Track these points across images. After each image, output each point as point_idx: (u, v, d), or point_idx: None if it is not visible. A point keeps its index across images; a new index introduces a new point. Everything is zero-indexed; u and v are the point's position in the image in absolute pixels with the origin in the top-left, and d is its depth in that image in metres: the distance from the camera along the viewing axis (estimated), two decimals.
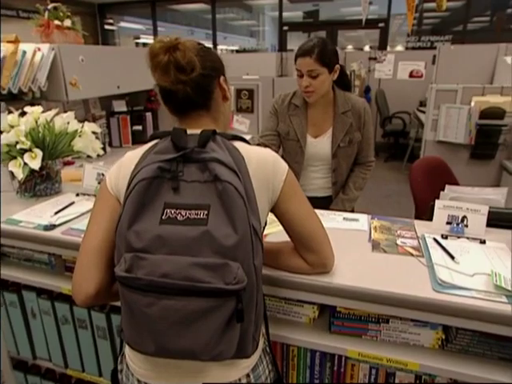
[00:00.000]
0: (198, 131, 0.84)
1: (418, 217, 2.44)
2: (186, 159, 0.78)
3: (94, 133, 1.58)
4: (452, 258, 1.04)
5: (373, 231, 1.22)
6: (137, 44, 8.49)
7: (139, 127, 3.40)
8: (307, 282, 0.99)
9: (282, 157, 1.75)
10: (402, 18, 7.42)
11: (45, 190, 1.55)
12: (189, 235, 0.72)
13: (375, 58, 5.48)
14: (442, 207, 1.21)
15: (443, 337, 0.99)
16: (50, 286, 1.34)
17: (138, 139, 3.40)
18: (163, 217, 0.74)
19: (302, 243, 0.93)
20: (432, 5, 5.53)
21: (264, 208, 0.86)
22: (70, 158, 2.37)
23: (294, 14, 7.05)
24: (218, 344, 0.74)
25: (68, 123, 1.56)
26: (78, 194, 1.55)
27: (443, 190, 2.58)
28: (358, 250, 1.12)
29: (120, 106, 3.35)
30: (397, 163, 5.59)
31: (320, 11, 6.72)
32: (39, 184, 1.54)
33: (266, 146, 1.76)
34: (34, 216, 1.35)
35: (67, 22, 2.68)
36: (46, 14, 2.59)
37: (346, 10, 7.42)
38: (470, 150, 3.00)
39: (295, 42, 7.53)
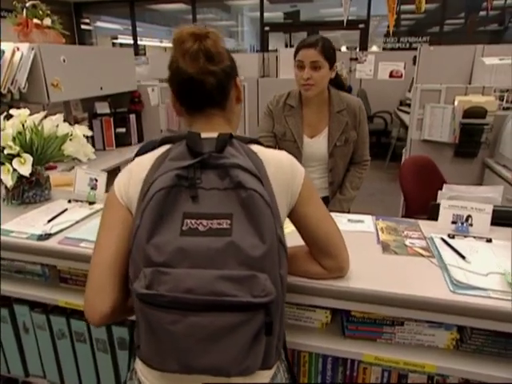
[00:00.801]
0: (213, 134, 0.81)
1: (409, 215, 2.47)
2: (202, 165, 0.74)
3: (85, 136, 1.51)
4: (463, 257, 1.04)
5: (380, 232, 1.21)
6: (113, 44, 8.31)
7: (123, 129, 3.31)
8: (321, 287, 0.97)
9: None
10: (377, 19, 7.56)
11: (34, 197, 1.47)
12: (212, 247, 0.69)
13: (356, 59, 5.55)
14: (448, 207, 1.21)
15: (458, 337, 0.99)
16: (44, 298, 1.27)
17: (122, 142, 3.31)
18: (183, 228, 0.70)
19: (318, 248, 0.90)
20: (407, 7, 5.64)
21: (283, 213, 0.83)
22: (51, 162, 2.28)
23: (273, 14, 7.06)
24: (245, 359, 0.71)
25: (57, 126, 1.48)
26: (69, 201, 1.48)
27: (433, 188, 2.62)
28: (369, 252, 1.11)
29: (103, 108, 3.25)
30: (379, 162, 5.67)
31: (300, 12, 6.76)
32: (27, 191, 1.45)
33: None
34: (25, 225, 1.28)
35: (47, 21, 2.57)
36: (24, 12, 2.48)
37: (325, 11, 7.49)
38: (454, 149, 3.06)
39: (275, 42, 7.55)
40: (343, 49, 7.22)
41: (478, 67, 3.79)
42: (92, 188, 1.50)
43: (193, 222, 0.70)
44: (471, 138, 2.96)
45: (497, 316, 0.88)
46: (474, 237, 1.16)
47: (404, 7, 6.53)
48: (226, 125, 0.88)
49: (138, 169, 0.82)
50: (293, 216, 0.88)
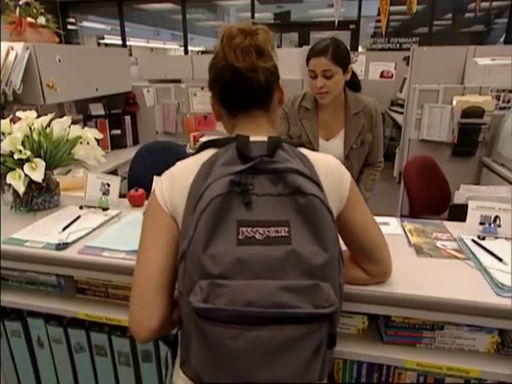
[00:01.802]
0: (261, 137, 0.77)
1: (413, 214, 2.48)
2: (254, 170, 0.71)
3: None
4: (499, 259, 1.03)
5: (409, 235, 1.19)
6: (99, 44, 8.12)
7: (118, 131, 3.23)
8: (363, 293, 0.94)
9: None
10: (363, 20, 7.62)
11: (43, 204, 1.40)
12: (272, 256, 0.65)
13: None
14: (475, 208, 1.20)
15: (499, 341, 0.98)
16: (60, 310, 1.20)
17: (117, 144, 3.23)
18: (240, 237, 0.65)
19: (364, 253, 0.88)
20: (394, 8, 5.67)
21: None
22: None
23: (262, 15, 7.04)
24: (306, 373, 0.68)
25: (68, 129, 1.42)
26: (81, 207, 1.41)
27: (436, 188, 2.64)
28: (403, 256, 1.09)
29: (97, 110, 3.16)
30: None
31: (291, 13, 6.76)
32: (36, 197, 1.38)
33: None
34: (38, 234, 1.21)
35: (41, 20, 2.48)
36: (18, 10, 2.38)
37: (313, 11, 7.52)
38: (452, 148, 3.09)
39: None
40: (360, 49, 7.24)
41: (471, 67, 3.84)
42: (104, 193, 1.44)
43: (248, 230, 0.66)
44: (469, 138, 3.00)
45: None
46: (506, 238, 1.15)
47: (391, 8, 6.61)
48: (270, 127, 0.84)
49: (182, 174, 0.78)
50: (339, 221, 0.85)
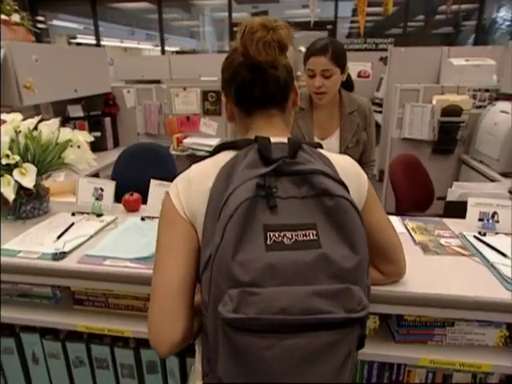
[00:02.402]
0: (281, 139, 0.75)
1: (400, 212, 2.53)
2: (277, 173, 0.68)
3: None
4: (504, 255, 1.06)
5: (413, 233, 1.20)
6: (69, 43, 7.84)
7: (98, 133, 3.13)
8: (377, 293, 0.93)
9: None
10: (337, 20, 7.74)
11: (32, 211, 1.33)
12: (302, 261, 0.62)
13: None
14: (474, 205, 1.23)
15: (507, 334, 1.01)
16: (56, 324, 1.14)
17: (97, 147, 3.11)
18: (268, 242, 0.62)
19: (381, 254, 0.87)
20: (369, 9, 5.77)
21: None
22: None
23: (239, 15, 7.01)
24: (338, 377, 0.66)
25: (55, 132, 1.35)
26: (73, 214, 1.35)
27: (421, 185, 2.70)
28: (411, 255, 1.08)
29: (76, 111, 3.05)
30: None
31: (268, 13, 6.76)
32: (25, 204, 1.31)
33: None
34: (31, 243, 1.14)
35: (15, 17, 2.36)
36: None
37: (289, 12, 7.56)
38: (432, 146, 3.18)
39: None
40: (303, 49, 7.31)
41: (446, 67, 3.96)
42: (97, 199, 1.38)
43: (276, 234, 0.63)
44: (448, 136, 3.09)
45: None
46: (506, 234, 1.18)
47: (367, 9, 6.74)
48: (285, 128, 0.82)
49: (199, 178, 0.75)
50: None
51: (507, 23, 8.34)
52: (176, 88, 3.20)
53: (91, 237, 1.19)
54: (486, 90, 3.10)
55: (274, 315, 0.60)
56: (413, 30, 7.09)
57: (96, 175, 2.70)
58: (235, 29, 6.47)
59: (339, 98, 1.67)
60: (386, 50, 4.83)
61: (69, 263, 1.06)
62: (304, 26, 5.58)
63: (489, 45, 6.75)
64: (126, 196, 1.39)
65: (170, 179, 2.85)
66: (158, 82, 4.00)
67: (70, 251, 1.11)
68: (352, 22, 8.02)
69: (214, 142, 3.25)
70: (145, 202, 1.40)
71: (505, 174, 2.58)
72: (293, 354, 0.61)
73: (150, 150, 2.69)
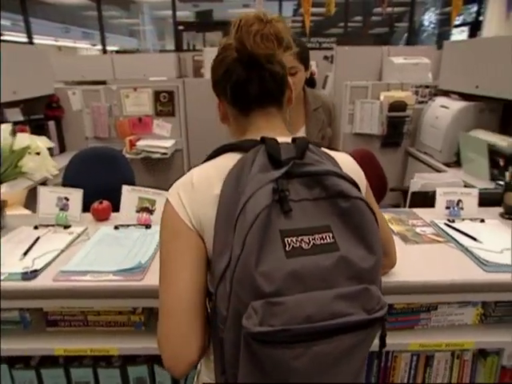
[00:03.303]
0: (284, 139, 0.73)
1: None
2: (287, 175, 0.65)
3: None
4: (474, 239, 1.14)
5: (390, 224, 1.25)
6: None
7: None
8: None
9: None
10: None
11: None
12: (323, 265, 0.61)
13: None
14: (442, 194, 1.31)
15: (482, 312, 1.08)
16: (27, 350, 1.04)
17: None
18: (287, 248, 0.60)
19: None
20: (312, 9, 5.92)
21: None
22: None
23: (182, 13, 6.86)
24: (359, 376, 0.67)
25: (8, 138, 1.22)
26: (36, 227, 1.23)
27: (376, 179, 2.83)
28: None
29: (14, 115, 2.79)
30: None
31: (212, 12, 6.68)
32: None
33: None
34: None
35: None
36: None
37: (233, 11, 7.56)
38: (381, 140, 3.35)
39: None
40: None
41: (387, 66, 4.19)
42: (62, 209, 1.27)
43: (294, 240, 0.61)
44: (396, 130, 3.28)
45: None
46: (471, 219, 1.27)
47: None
48: (285, 127, 0.80)
49: (203, 184, 0.70)
50: None
51: (432, 25, 9.03)
52: (126, 89, 3.06)
53: (62, 251, 1.10)
54: (426, 87, 3.32)
55: (301, 324, 0.58)
56: (351, 30, 7.43)
57: (44, 183, 2.50)
58: (180, 27, 6.31)
59: (304, 95, 1.69)
60: (329, 48, 5.00)
61: (42, 282, 0.97)
62: None
63: (418, 45, 7.28)
64: (95, 204, 1.29)
65: (128, 183, 2.70)
66: (101, 82, 3.79)
67: (42, 269, 1.01)
68: (293, 21, 8.21)
69: (169, 143, 3.16)
70: (114, 209, 1.32)
71: (447, 164, 2.78)
72: (320, 360, 0.60)
73: (103, 155, 2.55)
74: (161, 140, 3.15)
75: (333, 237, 0.63)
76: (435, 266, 1.04)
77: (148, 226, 1.23)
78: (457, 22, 6.57)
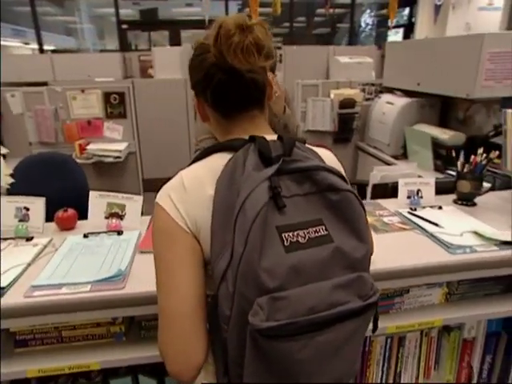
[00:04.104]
0: (271, 137, 0.74)
1: None
2: (278, 172, 0.66)
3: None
4: (436, 225, 1.23)
5: None
6: None
7: None
8: None
9: None
10: None
11: None
12: (320, 256, 0.63)
13: None
14: (404, 184, 1.40)
15: (447, 291, 1.17)
16: None
17: None
18: (285, 244, 0.62)
19: None
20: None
21: None
22: None
23: (125, 11, 6.59)
24: (356, 361, 0.70)
25: None
26: None
27: None
28: None
29: None
30: None
31: (157, 10, 6.49)
32: None
33: None
34: None
35: None
36: None
37: (176, 10, 7.40)
38: (333, 136, 3.48)
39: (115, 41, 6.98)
40: None
41: (334, 64, 4.36)
42: (21, 220, 1.19)
43: (290, 235, 0.63)
44: (346, 126, 3.42)
45: (483, 265, 1.08)
46: (431, 206, 1.37)
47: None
48: (267, 125, 0.81)
49: (196, 185, 0.69)
50: None
51: (369, 27, 9.52)
52: (72, 90, 2.90)
53: (29, 265, 1.02)
54: (372, 85, 3.50)
55: (304, 316, 0.60)
56: (296, 30, 7.61)
57: None
58: (124, 26, 6.06)
59: None
60: (277, 48, 5.08)
61: (12, 300, 0.90)
62: (198, 24, 5.53)
63: (358, 45, 7.64)
64: (59, 213, 1.22)
65: (82, 189, 2.58)
66: (41, 84, 3.55)
67: (9, 285, 0.93)
68: None
69: (122, 146, 3.04)
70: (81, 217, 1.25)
71: (395, 157, 2.96)
72: (323, 349, 0.62)
73: (52, 160, 2.40)
74: (113, 143, 3.03)
75: (326, 229, 0.65)
76: (406, 252, 1.10)
77: (120, 233, 1.18)
78: (390, 24, 6.98)
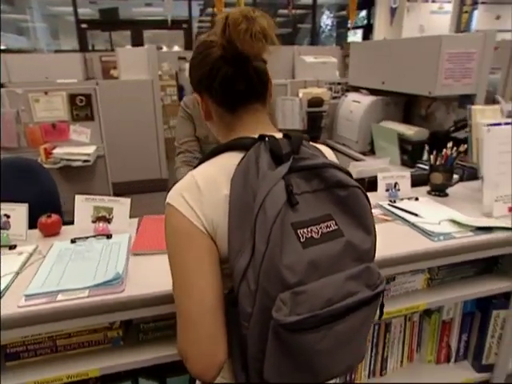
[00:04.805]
0: (276, 135, 0.76)
1: None
2: (288, 170, 0.67)
3: None
4: (416, 215, 1.30)
5: None
6: None
7: None
8: None
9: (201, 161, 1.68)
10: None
11: None
12: (334, 250, 0.66)
13: (184, 58, 5.63)
14: (382, 178, 1.47)
15: (429, 276, 1.25)
16: None
17: None
18: (301, 240, 0.64)
19: None
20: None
21: None
22: None
23: (83, 10, 6.34)
24: (364, 347, 0.74)
25: None
26: None
27: None
28: None
29: None
30: None
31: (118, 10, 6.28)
32: None
33: (189, 152, 1.65)
34: None
35: None
36: None
37: (136, 10, 7.22)
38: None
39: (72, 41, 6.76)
40: (176, 48, 7.16)
41: (299, 64, 4.45)
42: (2, 228, 1.13)
43: (305, 231, 0.65)
44: (315, 124, 3.51)
45: (461, 250, 1.16)
46: (408, 198, 1.45)
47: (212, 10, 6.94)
48: (270, 122, 0.82)
49: (210, 185, 0.69)
50: None
51: (329, 28, 9.77)
52: (35, 92, 2.77)
53: (17, 274, 0.98)
54: (339, 83, 3.61)
55: (323, 308, 0.62)
56: None
57: None
58: (83, 26, 5.83)
59: None
60: None
61: (5, 311, 0.86)
62: (160, 24, 5.44)
63: (319, 45, 7.82)
64: (43, 219, 1.17)
65: (51, 195, 2.48)
66: None
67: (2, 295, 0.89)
68: (200, 21, 8.19)
69: (91, 149, 2.94)
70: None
71: (363, 153, 3.07)
72: (340, 339, 0.66)
73: (17, 166, 2.28)
74: (80, 147, 2.93)
75: (336, 224, 0.68)
76: (392, 241, 1.16)
77: (109, 236, 1.16)
78: (349, 25, 7.22)
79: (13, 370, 0.94)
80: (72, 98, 2.88)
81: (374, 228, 0.74)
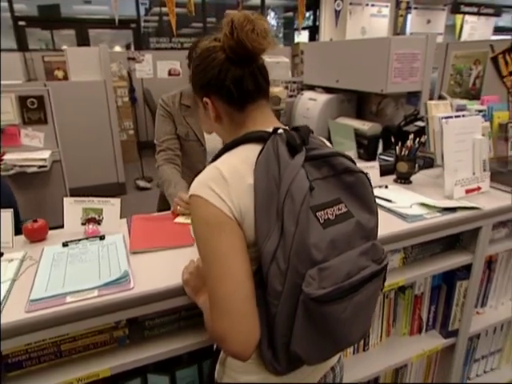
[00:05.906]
0: (283, 127, 0.81)
1: None
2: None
3: None
4: (389, 201, 1.42)
5: None
6: None
7: None
8: None
9: (184, 159, 1.69)
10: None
11: None
12: (347, 230, 0.75)
13: (134, 58, 5.48)
14: None
15: (404, 256, 1.38)
16: None
17: None
18: (321, 221, 0.71)
19: None
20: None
21: None
22: None
23: (19, 6, 5.90)
24: (373, 316, 0.83)
25: None
26: None
27: None
28: None
29: None
30: None
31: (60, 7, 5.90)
32: None
33: (170, 149, 1.65)
34: None
35: None
36: None
37: (77, 7, 6.87)
38: None
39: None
40: (117, 48, 6.91)
41: None
42: None
43: (322, 213, 0.72)
44: None
45: (432, 229, 1.29)
46: (379, 186, 1.57)
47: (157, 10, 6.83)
48: (273, 115, 0.87)
49: (235, 176, 0.73)
50: None
51: (275, 28, 9.99)
52: None
53: (14, 280, 0.95)
54: (294, 82, 3.74)
55: (344, 281, 0.71)
56: (208, 31, 7.66)
57: None
58: (21, 23, 5.43)
59: None
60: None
61: (12, 317, 0.83)
62: (106, 23, 5.23)
63: None
64: (28, 224, 1.13)
65: (8, 203, 2.39)
66: None
67: (1, 303, 0.86)
68: (146, 21, 8.00)
69: (46, 154, 2.81)
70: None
71: None
72: (359, 308, 0.74)
73: None
74: (34, 152, 2.78)
75: (346, 206, 0.77)
76: None
77: (102, 237, 1.14)
78: (298, 27, 7.45)
79: (17, 381, 0.91)
80: (22, 100, 2.73)
81: (377, 209, 0.83)
